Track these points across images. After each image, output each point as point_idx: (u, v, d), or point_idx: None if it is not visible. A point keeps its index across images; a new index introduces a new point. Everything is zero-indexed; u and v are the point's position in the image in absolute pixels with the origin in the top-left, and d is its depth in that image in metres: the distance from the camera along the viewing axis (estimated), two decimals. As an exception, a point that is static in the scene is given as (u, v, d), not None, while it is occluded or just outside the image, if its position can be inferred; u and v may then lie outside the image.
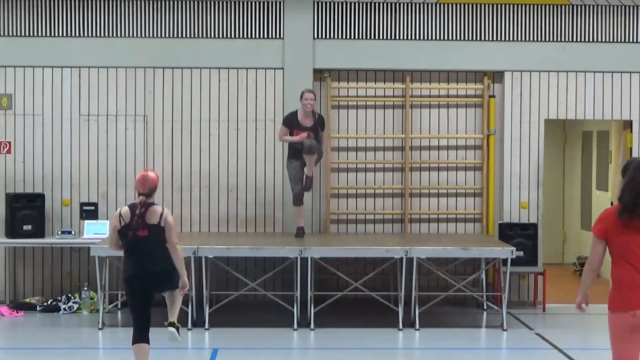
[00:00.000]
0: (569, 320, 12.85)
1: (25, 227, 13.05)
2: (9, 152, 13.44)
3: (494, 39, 13.59)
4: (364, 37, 13.54)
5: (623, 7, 13.62)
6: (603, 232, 6.86)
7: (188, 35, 13.46)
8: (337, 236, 13.30)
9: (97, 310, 12.28)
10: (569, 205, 17.75)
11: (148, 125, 13.50)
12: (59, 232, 13.23)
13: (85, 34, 13.42)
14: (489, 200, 13.68)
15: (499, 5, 13.59)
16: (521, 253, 12.80)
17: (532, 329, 12.15)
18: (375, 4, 13.55)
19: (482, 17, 13.59)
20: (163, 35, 13.45)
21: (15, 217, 13.03)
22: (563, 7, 13.61)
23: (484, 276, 13.06)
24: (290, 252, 11.82)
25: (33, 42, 13.40)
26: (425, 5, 13.56)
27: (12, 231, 13.06)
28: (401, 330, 11.88)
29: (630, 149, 13.72)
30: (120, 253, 9.01)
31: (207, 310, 11.93)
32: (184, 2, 13.46)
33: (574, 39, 13.61)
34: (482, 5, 13.58)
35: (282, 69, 13.45)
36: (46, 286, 13.49)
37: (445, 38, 13.57)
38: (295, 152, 12.50)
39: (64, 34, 13.42)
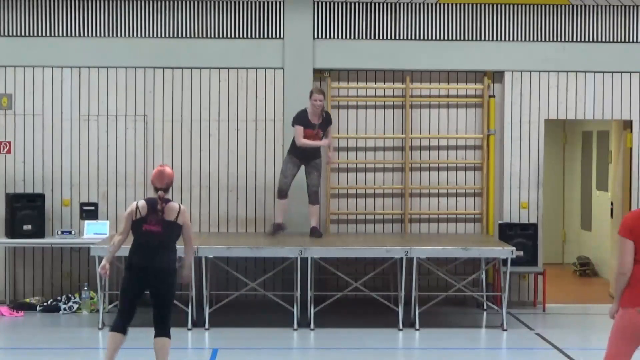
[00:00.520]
0: (569, 320, 12.86)
1: (25, 227, 13.05)
2: (9, 152, 13.44)
3: (494, 39, 13.59)
4: (364, 37, 13.54)
5: (623, 7, 13.61)
6: (629, 231, 6.96)
7: (188, 35, 13.45)
8: (337, 236, 13.29)
9: (97, 310, 12.30)
10: (569, 205, 17.74)
11: (148, 125, 13.50)
12: (59, 232, 13.23)
13: (85, 34, 13.42)
14: (489, 200, 13.68)
15: (499, 5, 13.59)
16: (521, 253, 12.80)
17: (532, 329, 12.14)
18: (375, 4, 13.55)
19: (482, 17, 13.59)
20: (163, 35, 13.45)
21: (15, 217, 13.03)
22: (563, 7, 13.61)
23: (484, 276, 13.06)
24: (290, 252, 11.82)
25: (33, 42, 13.40)
26: (425, 5, 13.56)
27: (12, 231, 13.06)
28: (401, 330, 11.88)
29: (630, 149, 13.72)
30: (120, 253, 9.01)
31: (207, 310, 11.93)
32: (184, 2, 13.46)
33: (574, 39, 13.61)
34: (482, 5, 13.57)
35: (282, 69, 13.45)
36: (46, 286, 13.48)
37: (445, 38, 13.57)
38: (299, 150, 12.51)
39: (64, 34, 13.41)
